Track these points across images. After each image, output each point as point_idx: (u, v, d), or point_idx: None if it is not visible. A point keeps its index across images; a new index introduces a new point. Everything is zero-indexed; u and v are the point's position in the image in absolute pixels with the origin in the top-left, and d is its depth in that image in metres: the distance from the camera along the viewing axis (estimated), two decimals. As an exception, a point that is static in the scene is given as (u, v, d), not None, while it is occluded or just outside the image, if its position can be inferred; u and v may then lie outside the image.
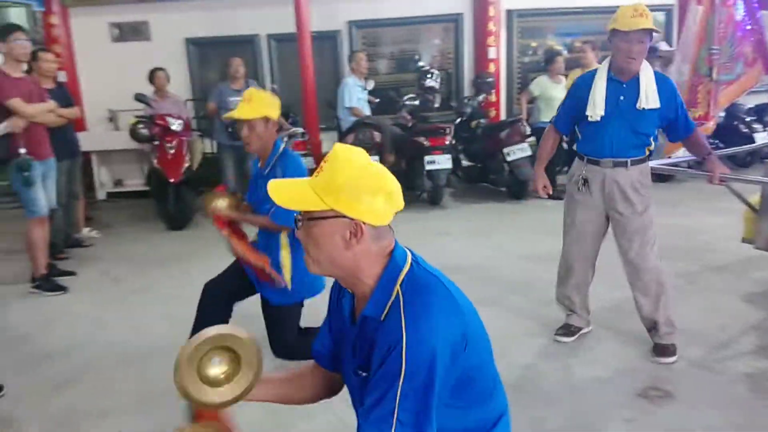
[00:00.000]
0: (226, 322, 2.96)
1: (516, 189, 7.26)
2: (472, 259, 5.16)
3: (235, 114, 2.94)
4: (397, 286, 1.35)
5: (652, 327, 3.39)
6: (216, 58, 8.27)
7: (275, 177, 2.94)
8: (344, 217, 1.33)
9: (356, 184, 1.33)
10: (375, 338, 1.35)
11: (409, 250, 1.45)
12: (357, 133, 6.90)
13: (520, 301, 4.22)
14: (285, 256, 2.97)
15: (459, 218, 6.66)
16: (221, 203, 3.12)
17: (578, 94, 3.37)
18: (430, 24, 8.77)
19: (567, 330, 3.64)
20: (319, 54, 8.04)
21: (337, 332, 1.58)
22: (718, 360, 3.31)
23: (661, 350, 3.34)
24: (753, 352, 3.35)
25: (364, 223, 1.34)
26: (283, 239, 2.98)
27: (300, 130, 7.29)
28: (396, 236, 1.45)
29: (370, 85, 7.49)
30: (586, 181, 3.38)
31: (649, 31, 3.10)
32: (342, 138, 7.01)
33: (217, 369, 1.48)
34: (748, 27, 3.53)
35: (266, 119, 2.94)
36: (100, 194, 8.26)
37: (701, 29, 3.47)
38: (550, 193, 3.54)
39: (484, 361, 1.45)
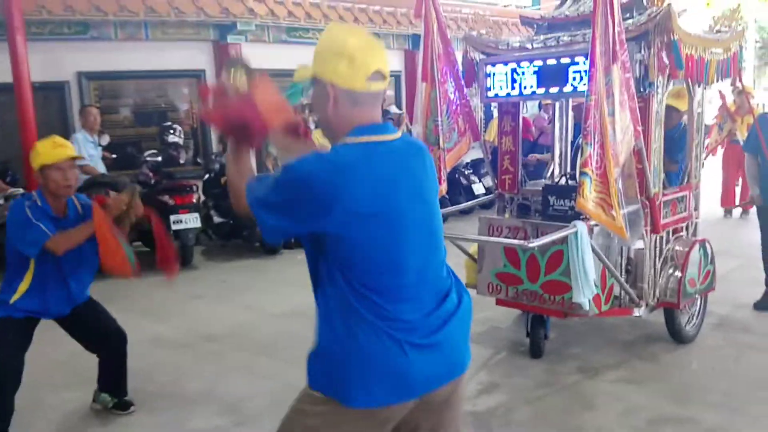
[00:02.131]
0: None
1: (269, 244, 7.28)
2: (225, 323, 5.00)
3: (71, 152, 3.10)
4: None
5: None
6: None
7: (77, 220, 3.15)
8: (321, 80, 1.60)
9: (324, 50, 1.60)
10: None
11: (387, 129, 1.66)
12: (90, 193, 6.29)
13: (268, 363, 4.19)
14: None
15: (212, 279, 6.43)
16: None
17: None
18: (173, 78, 8.51)
19: None
20: (44, 106, 7.28)
21: None
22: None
23: None
24: (478, 391, 3.73)
25: (333, 85, 1.57)
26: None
27: (20, 190, 6.45)
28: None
29: (105, 140, 6.97)
30: None
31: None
32: (73, 198, 6.37)
33: None
34: (459, 102, 4.10)
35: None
36: None
37: (426, 104, 3.92)
38: None
39: (370, 240, 1.59)
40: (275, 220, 1.62)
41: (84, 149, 6.49)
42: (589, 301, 3.57)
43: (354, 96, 1.59)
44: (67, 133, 7.25)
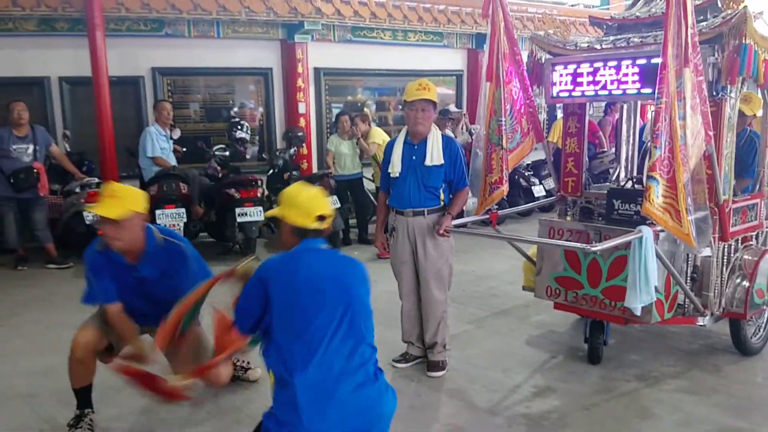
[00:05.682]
0: None
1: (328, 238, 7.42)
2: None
3: (99, 211, 2.79)
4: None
5: (431, 346, 3.93)
6: (-3, 99, 7.42)
7: (156, 274, 2.97)
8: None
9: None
10: None
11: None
12: (161, 184, 6.60)
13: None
14: None
15: (271, 271, 6.59)
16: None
17: (386, 156, 3.92)
18: (241, 76, 8.77)
19: (403, 357, 4.05)
20: (120, 100, 7.62)
21: None
22: (501, 402, 3.62)
23: (434, 366, 3.93)
24: (532, 394, 3.71)
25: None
26: None
27: (95, 179, 6.80)
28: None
29: (176, 134, 7.24)
30: (394, 229, 3.87)
31: (430, 102, 3.69)
32: (145, 188, 6.65)
33: None
34: (524, 102, 4.07)
35: (136, 215, 2.84)
36: None
37: (490, 103, 3.91)
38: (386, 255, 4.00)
39: (289, 316, 2.27)
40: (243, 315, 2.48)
41: (156, 142, 6.78)
42: (651, 307, 3.51)
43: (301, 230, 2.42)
44: (140, 127, 7.60)
